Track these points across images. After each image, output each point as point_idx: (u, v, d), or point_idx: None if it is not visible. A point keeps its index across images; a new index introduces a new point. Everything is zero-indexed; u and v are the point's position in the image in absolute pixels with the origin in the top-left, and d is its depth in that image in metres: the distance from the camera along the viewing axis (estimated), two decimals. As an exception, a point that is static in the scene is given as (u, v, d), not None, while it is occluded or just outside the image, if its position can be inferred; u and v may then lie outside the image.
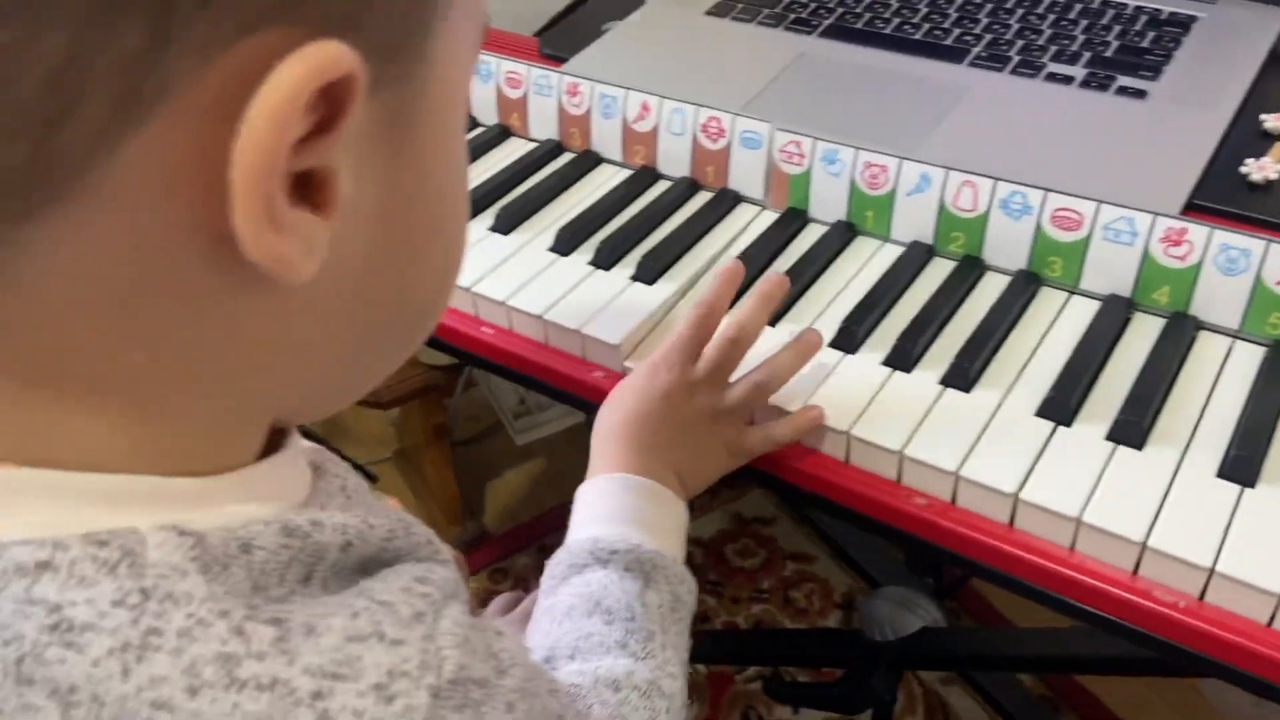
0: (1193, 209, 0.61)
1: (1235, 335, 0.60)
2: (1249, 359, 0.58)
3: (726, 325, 0.59)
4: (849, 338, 0.62)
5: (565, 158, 0.81)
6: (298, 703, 0.25)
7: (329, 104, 0.23)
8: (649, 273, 0.68)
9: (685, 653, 0.52)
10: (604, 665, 0.47)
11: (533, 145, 0.82)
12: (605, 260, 0.70)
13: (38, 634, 0.24)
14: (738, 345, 0.58)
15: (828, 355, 0.62)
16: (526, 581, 1.40)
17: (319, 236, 0.25)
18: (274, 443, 0.32)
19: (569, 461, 1.55)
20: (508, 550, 1.45)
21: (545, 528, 1.47)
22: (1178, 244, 0.59)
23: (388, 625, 0.27)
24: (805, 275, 0.67)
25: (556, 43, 0.84)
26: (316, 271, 0.25)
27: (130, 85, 0.21)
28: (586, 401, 0.65)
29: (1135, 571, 0.50)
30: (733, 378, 0.59)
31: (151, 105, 0.22)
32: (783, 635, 1.30)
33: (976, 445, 0.55)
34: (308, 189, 0.24)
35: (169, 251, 0.24)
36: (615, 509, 0.54)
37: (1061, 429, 0.55)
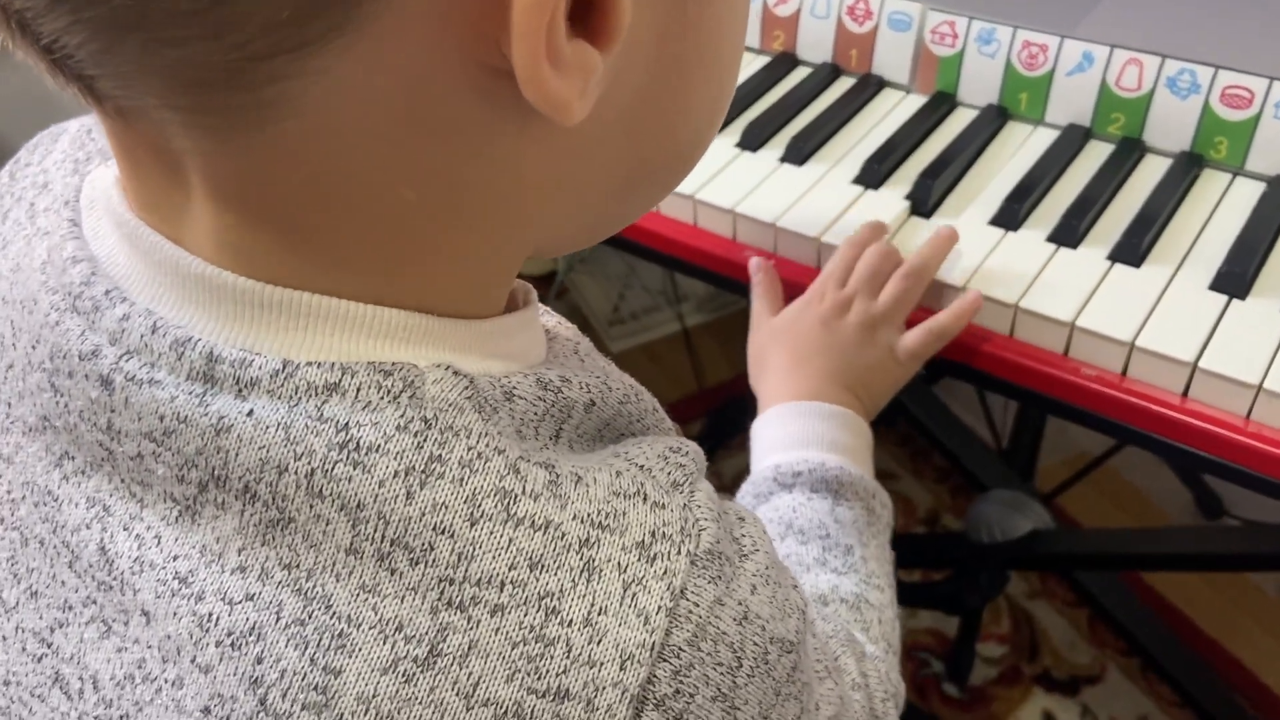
0: (1366, 89, 0.60)
1: None
2: None
3: (871, 248, 0.59)
4: (1010, 215, 0.62)
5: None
6: (568, 547, 0.26)
7: None
8: (798, 155, 0.68)
9: (889, 565, 0.51)
10: (807, 583, 0.46)
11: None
12: (752, 143, 0.70)
13: (327, 450, 0.25)
14: (887, 259, 0.58)
15: (988, 233, 0.61)
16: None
17: (596, 73, 0.24)
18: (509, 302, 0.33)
19: (653, 380, 1.56)
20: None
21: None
22: (1357, 121, 0.58)
23: (650, 488, 0.28)
24: (956, 162, 0.66)
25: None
26: (590, 110, 0.25)
27: None
28: (736, 282, 0.66)
29: (1318, 440, 0.50)
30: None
31: None
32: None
33: (1150, 318, 0.55)
34: (587, 18, 0.24)
35: (443, 87, 0.24)
36: (792, 434, 0.53)
37: (1236, 302, 0.55)
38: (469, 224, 0.27)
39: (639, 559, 0.26)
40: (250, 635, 0.25)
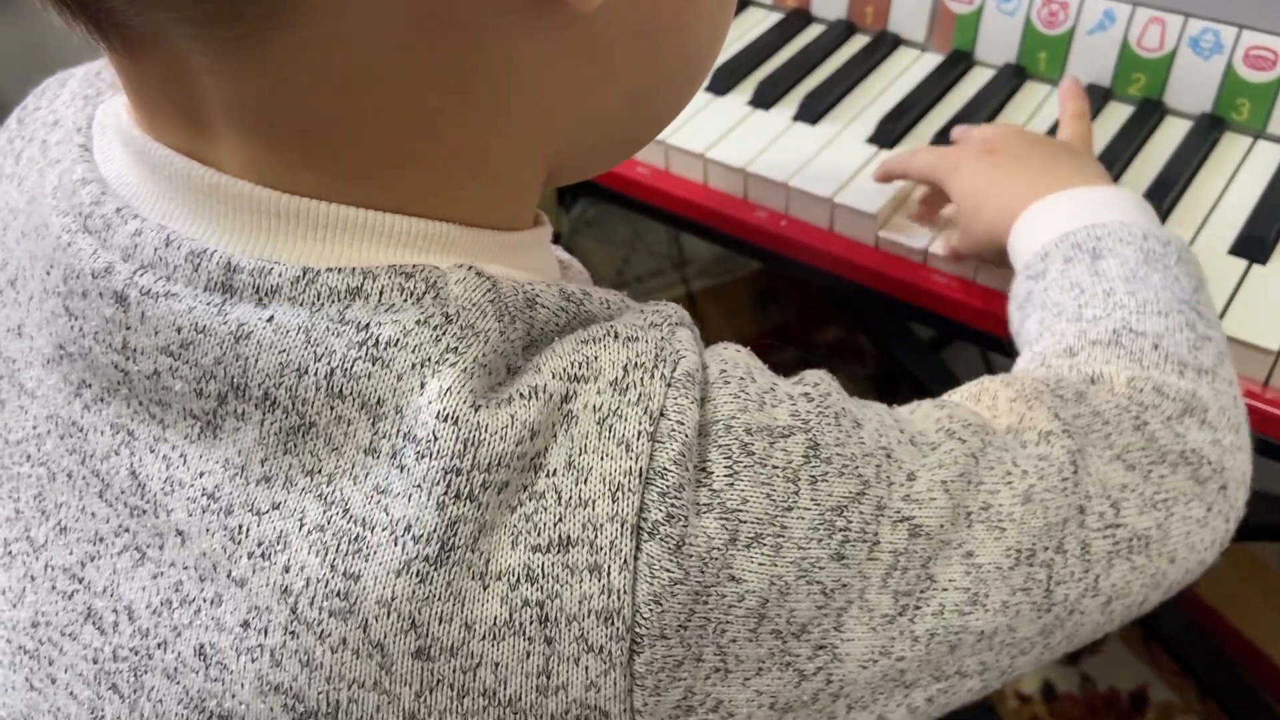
0: (1393, 51, 0.59)
1: None
2: None
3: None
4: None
5: (712, 1, 0.79)
6: (555, 406, 0.25)
7: None
8: (811, 113, 0.67)
9: (1189, 293, 0.41)
10: (1052, 341, 0.40)
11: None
12: (765, 100, 0.68)
13: (346, 349, 0.25)
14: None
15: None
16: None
17: None
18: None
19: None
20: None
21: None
22: (1384, 83, 0.57)
23: (621, 327, 0.27)
24: (977, 115, 0.65)
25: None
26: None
27: None
28: (747, 243, 0.65)
29: (1337, 406, 0.50)
30: None
31: None
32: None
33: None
34: None
35: None
36: (1039, 225, 0.47)
37: (1256, 267, 0.54)
38: (492, 129, 0.27)
39: (613, 394, 0.26)
40: (278, 544, 0.25)
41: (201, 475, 0.26)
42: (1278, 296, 0.52)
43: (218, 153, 0.26)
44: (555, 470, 0.25)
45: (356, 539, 0.24)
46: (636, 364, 0.26)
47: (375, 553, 0.24)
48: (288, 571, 0.25)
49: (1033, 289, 0.44)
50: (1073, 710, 1.13)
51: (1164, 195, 0.58)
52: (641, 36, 0.28)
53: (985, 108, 0.66)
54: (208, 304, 0.25)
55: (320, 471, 0.25)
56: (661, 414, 0.26)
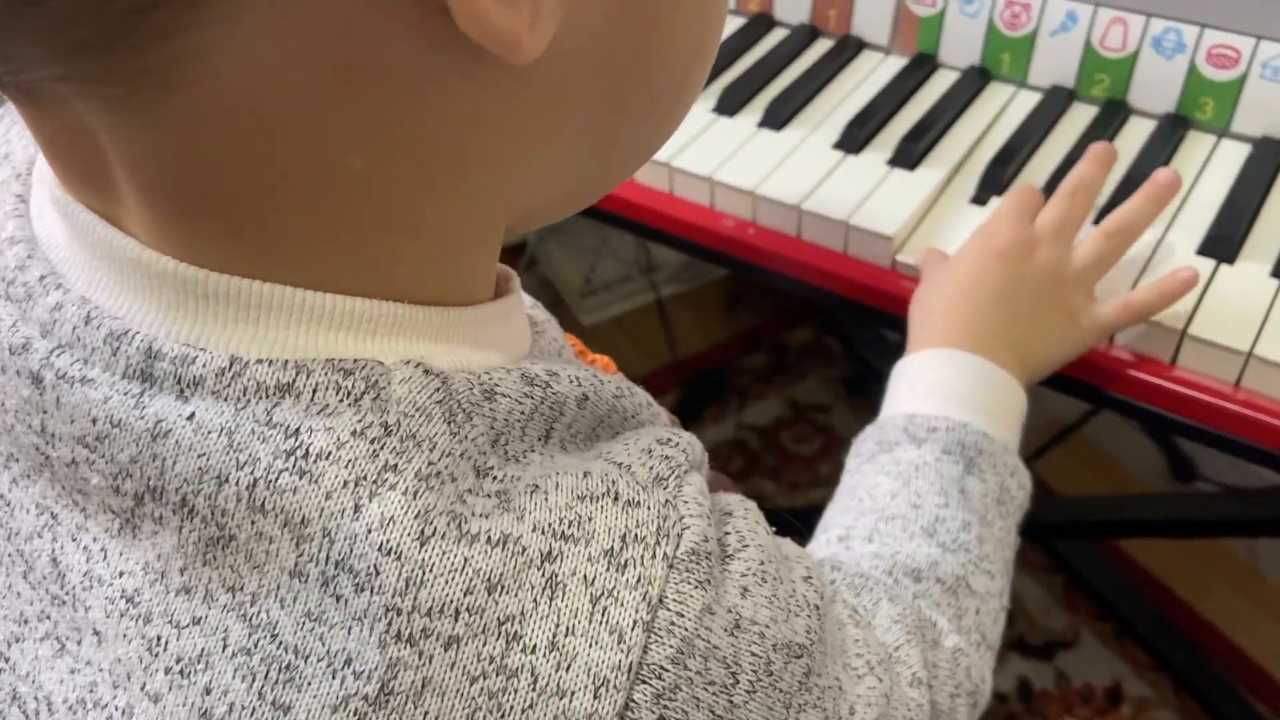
0: (1352, 48, 0.59)
1: (1399, 176, 0.58)
2: None
3: (1070, 179, 0.53)
4: (994, 182, 0.60)
5: (673, 6, 0.78)
6: (529, 564, 0.23)
7: None
8: (776, 119, 0.66)
9: (1010, 551, 0.45)
10: (905, 551, 0.41)
11: (638, -6, 0.79)
12: (729, 107, 0.68)
13: (272, 459, 0.22)
14: (1083, 196, 0.51)
15: (972, 204, 0.60)
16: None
17: (547, 1, 0.21)
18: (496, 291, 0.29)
19: (627, 351, 1.54)
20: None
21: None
22: (1345, 80, 0.57)
23: (624, 485, 0.25)
24: (938, 124, 0.64)
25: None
26: (547, 45, 0.22)
27: None
28: (715, 251, 0.64)
29: (1307, 406, 0.50)
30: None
31: None
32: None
33: (1138, 284, 0.54)
34: None
35: (375, 29, 0.21)
36: (938, 385, 0.47)
37: (1224, 267, 0.54)
38: (432, 191, 0.24)
39: (608, 568, 0.23)
40: (199, 663, 0.23)
41: (121, 575, 0.24)
42: (1245, 296, 0.52)
43: (133, 221, 0.23)
44: (535, 648, 0.22)
45: (289, 667, 0.22)
46: (636, 536, 0.24)
47: (310, 684, 0.22)
48: (208, 694, 0.23)
49: (904, 451, 0.45)
50: (1049, 707, 1.14)
51: (1130, 196, 0.58)
52: (602, 74, 0.25)
53: (950, 111, 0.66)
54: (125, 394, 0.23)
55: (243, 589, 0.23)
56: (661, 602, 0.23)
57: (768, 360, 1.55)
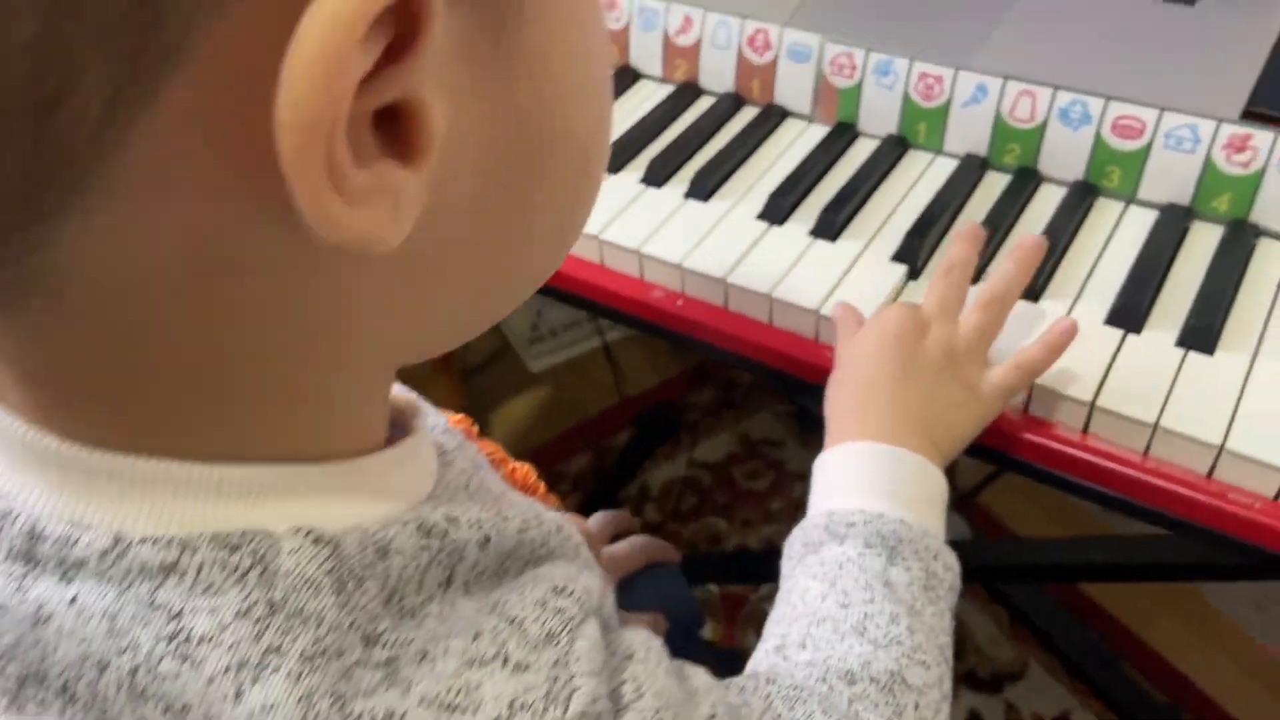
0: (1249, 114, 0.61)
1: (1295, 241, 0.60)
2: (1311, 264, 0.59)
3: (945, 261, 0.55)
4: (911, 253, 0.62)
5: (602, 75, 0.79)
6: None
7: (400, 20, 0.19)
8: (702, 190, 0.68)
9: (946, 636, 0.45)
10: (837, 654, 0.41)
11: (568, 62, 0.81)
12: (657, 178, 0.69)
13: (154, 644, 0.22)
14: (958, 275, 0.53)
15: (891, 270, 0.62)
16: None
17: (408, 190, 0.21)
18: (396, 423, 0.30)
19: (576, 390, 1.55)
20: (521, 476, 1.46)
21: (553, 455, 1.48)
22: (1241, 150, 0.59)
23: (514, 646, 0.25)
24: (860, 191, 0.66)
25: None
26: (411, 228, 0.21)
27: (123, 56, 0.18)
28: (648, 323, 0.65)
29: (1210, 475, 0.51)
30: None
31: (156, 76, 0.18)
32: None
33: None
34: (392, 128, 0.21)
35: (235, 227, 0.21)
36: (854, 478, 0.48)
37: (1131, 336, 0.56)
38: (308, 361, 0.24)
39: None
40: None
41: None
42: (1151, 367, 0.54)
43: (15, 400, 0.24)
44: None
45: None
46: (524, 703, 0.24)
47: None
48: None
49: (828, 550, 0.46)
50: (1000, 739, 1.15)
51: (1043, 265, 0.60)
52: (480, 235, 0.25)
53: (870, 179, 0.67)
54: (8, 576, 0.23)
55: None
56: None
57: (718, 396, 1.57)
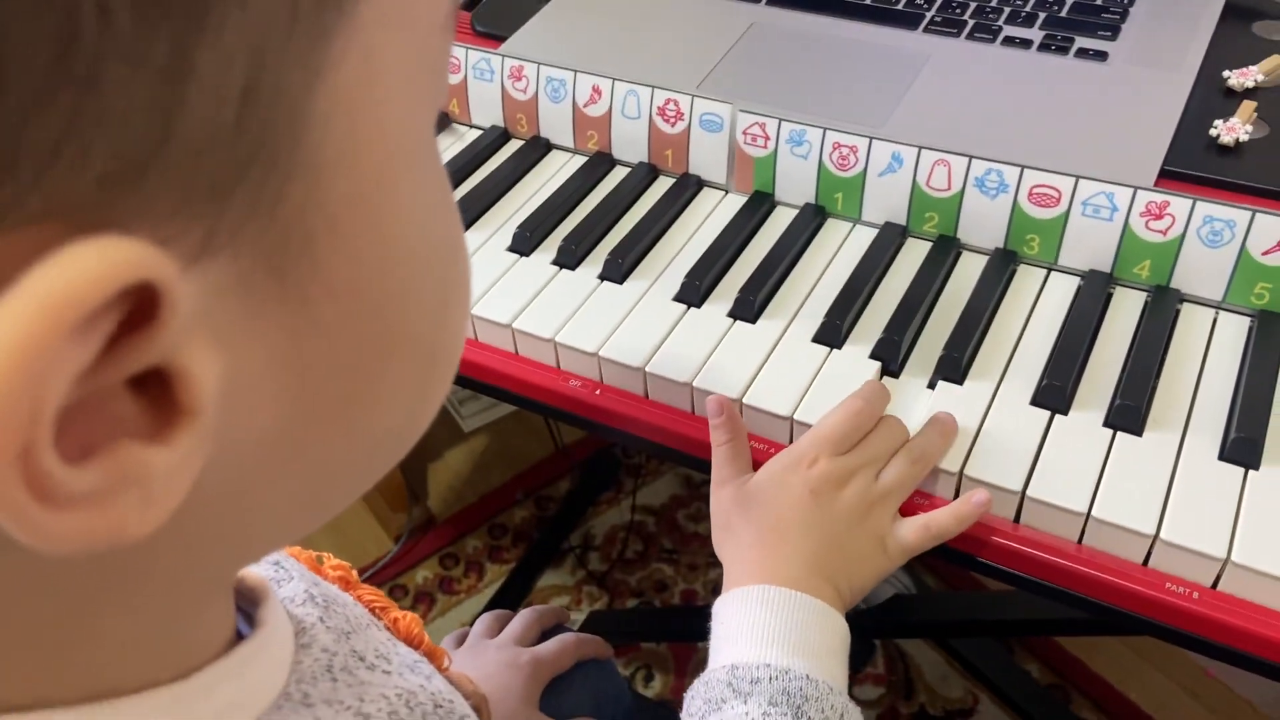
0: (1166, 176, 0.60)
1: (1218, 306, 0.59)
2: (1236, 331, 0.58)
3: (915, 446, 0.53)
4: (832, 333, 0.60)
5: (513, 145, 0.76)
6: None
7: (132, 293, 0.16)
8: (617, 272, 0.65)
9: None
10: None
11: (477, 133, 0.78)
12: (570, 259, 0.66)
13: None
14: (921, 467, 0.52)
15: (813, 351, 0.60)
16: (480, 565, 1.37)
17: (162, 469, 0.18)
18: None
19: (513, 439, 1.52)
20: (457, 533, 1.42)
21: (493, 507, 1.44)
22: (1159, 217, 0.58)
23: None
24: (778, 267, 0.64)
25: (491, 18, 0.79)
26: (183, 497, 0.18)
27: None
28: (566, 413, 0.62)
29: (1146, 563, 0.50)
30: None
31: None
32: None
33: (975, 444, 0.54)
34: (149, 384, 0.17)
35: None
36: (757, 627, 0.46)
37: (1059, 418, 0.55)
38: (110, 612, 0.22)
39: None
40: None
41: None
42: (1080, 451, 0.53)
43: None
44: None
45: None
46: None
47: None
48: None
49: (731, 708, 0.44)
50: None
51: (965, 344, 0.58)
52: (300, 458, 0.22)
53: (789, 252, 0.65)
54: None
55: None
56: None
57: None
